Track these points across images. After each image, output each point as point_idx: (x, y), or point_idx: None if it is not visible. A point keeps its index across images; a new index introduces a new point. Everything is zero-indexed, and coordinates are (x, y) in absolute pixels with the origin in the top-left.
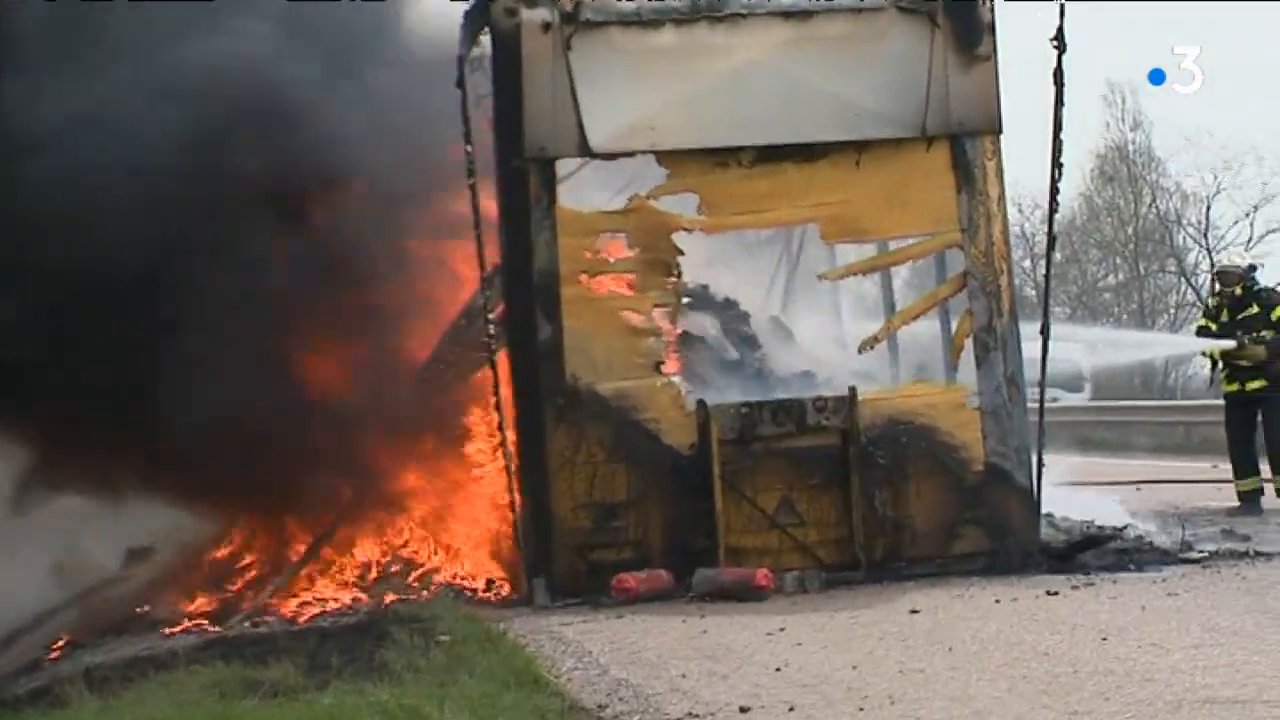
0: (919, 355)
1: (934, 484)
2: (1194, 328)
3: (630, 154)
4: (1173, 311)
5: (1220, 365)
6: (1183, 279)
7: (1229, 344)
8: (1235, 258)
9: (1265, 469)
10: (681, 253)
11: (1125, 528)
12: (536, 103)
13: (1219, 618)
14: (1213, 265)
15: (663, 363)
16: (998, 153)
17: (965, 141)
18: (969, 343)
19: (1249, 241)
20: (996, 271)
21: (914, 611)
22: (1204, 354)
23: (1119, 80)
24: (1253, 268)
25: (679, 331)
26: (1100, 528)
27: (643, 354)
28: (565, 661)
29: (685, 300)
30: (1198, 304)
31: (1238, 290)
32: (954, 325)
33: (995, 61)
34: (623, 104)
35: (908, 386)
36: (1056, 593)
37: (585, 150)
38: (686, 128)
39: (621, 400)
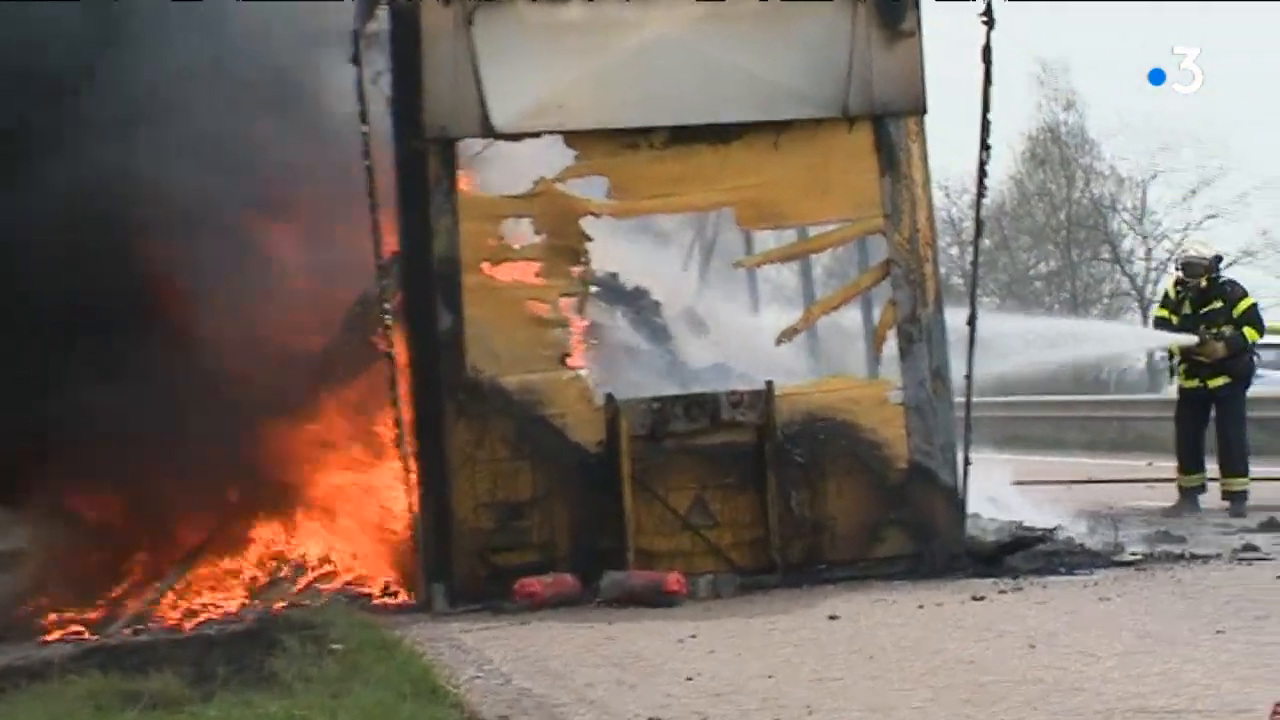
0: (840, 348)
1: (854, 483)
2: (1152, 318)
3: (536, 135)
4: (1107, 301)
5: (1178, 359)
6: (1117, 267)
7: (1189, 339)
8: (1200, 248)
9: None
10: (590, 239)
11: (1055, 529)
12: (437, 80)
13: (1151, 623)
14: (1147, 252)
15: (569, 355)
16: (922, 134)
17: (889, 122)
18: (892, 334)
19: (1187, 228)
20: (921, 259)
21: (833, 617)
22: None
23: (1051, 59)
24: (1218, 259)
25: (587, 322)
26: (1029, 528)
27: (548, 345)
28: (465, 670)
29: (593, 289)
30: (1132, 293)
31: (1203, 282)
32: (876, 316)
33: (920, 38)
34: (528, 82)
35: (827, 380)
36: (983, 597)
37: (488, 131)
38: (595, 107)
39: (526, 394)
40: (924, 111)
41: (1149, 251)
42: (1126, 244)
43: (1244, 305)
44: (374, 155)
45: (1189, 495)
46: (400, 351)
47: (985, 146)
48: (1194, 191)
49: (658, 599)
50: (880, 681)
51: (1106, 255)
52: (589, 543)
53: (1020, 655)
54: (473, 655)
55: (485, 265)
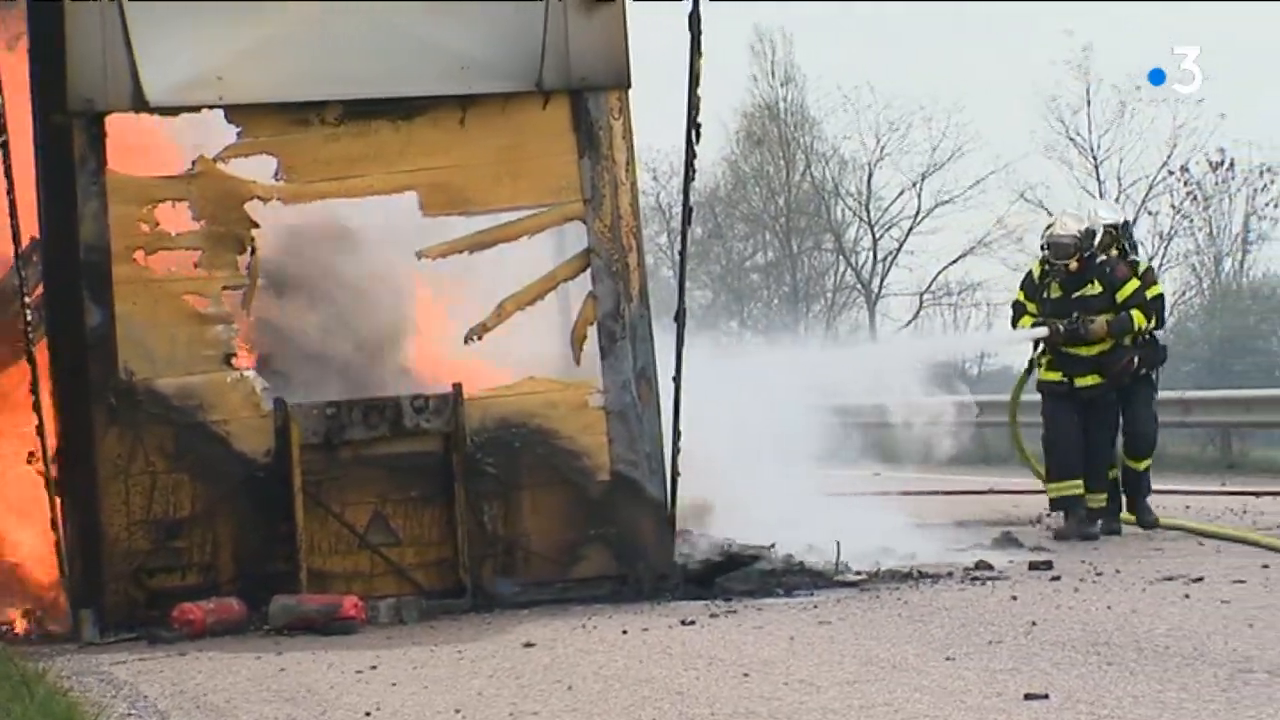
0: (535, 346)
1: (552, 497)
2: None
3: (194, 109)
4: (830, 295)
5: (1041, 348)
6: (841, 257)
7: (1041, 332)
8: (1070, 222)
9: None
10: (256, 225)
11: (771, 546)
12: (82, 46)
13: (877, 649)
14: (874, 242)
15: (234, 354)
16: (626, 110)
17: (588, 97)
18: (593, 332)
19: (917, 215)
20: (625, 249)
21: (528, 645)
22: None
23: (768, 27)
24: (1090, 234)
25: (253, 318)
26: (743, 546)
27: (210, 344)
28: (116, 707)
29: (261, 281)
30: (858, 286)
31: (1072, 264)
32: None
33: (624, 4)
34: (187, 51)
35: (522, 383)
36: (693, 622)
37: (140, 104)
38: (261, 79)
39: (185, 399)
40: (628, 85)
41: (875, 241)
42: (851, 233)
43: (1130, 288)
44: (10, 129)
45: (1072, 506)
46: (43, 351)
47: (694, 124)
48: (924, 176)
49: (333, 625)
50: (580, 715)
51: (829, 245)
52: (256, 564)
53: (734, 685)
54: (125, 690)
55: (138, 254)
